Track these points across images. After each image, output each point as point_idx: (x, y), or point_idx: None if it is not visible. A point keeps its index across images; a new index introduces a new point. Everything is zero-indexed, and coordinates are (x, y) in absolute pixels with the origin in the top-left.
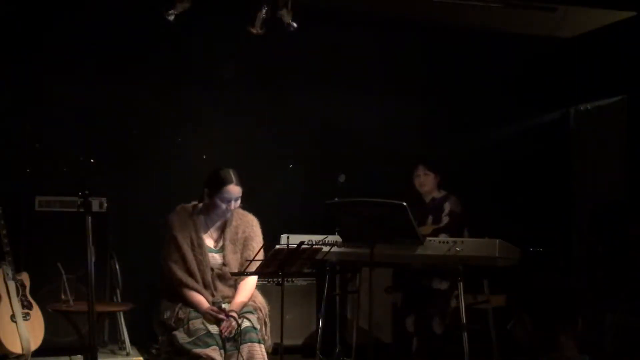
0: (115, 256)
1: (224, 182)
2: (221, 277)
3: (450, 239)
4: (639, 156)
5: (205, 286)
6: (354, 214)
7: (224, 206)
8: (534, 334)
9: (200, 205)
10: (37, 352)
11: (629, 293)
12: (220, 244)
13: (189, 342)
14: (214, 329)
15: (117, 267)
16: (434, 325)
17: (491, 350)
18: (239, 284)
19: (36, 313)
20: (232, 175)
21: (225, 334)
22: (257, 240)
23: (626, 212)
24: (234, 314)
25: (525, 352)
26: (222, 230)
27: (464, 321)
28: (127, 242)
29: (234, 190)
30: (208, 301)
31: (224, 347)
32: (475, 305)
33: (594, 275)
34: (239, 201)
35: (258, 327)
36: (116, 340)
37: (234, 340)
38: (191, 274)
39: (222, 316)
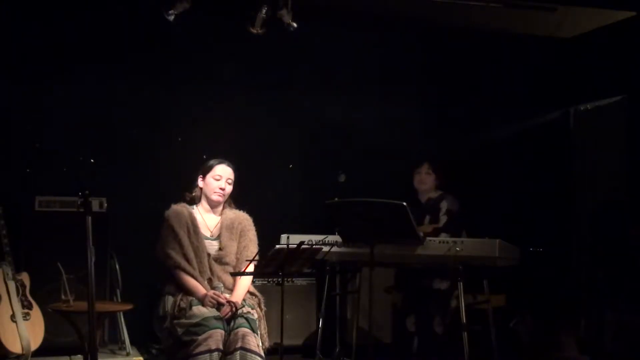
0: (115, 256)
1: (216, 163)
2: (218, 260)
3: (450, 239)
4: (639, 156)
5: (202, 272)
6: (354, 214)
7: (216, 184)
8: (536, 333)
9: (194, 195)
10: (37, 352)
11: (629, 293)
12: (217, 233)
13: (192, 326)
14: (216, 312)
15: (117, 267)
16: (434, 325)
17: (491, 350)
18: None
19: (36, 313)
20: (224, 159)
21: (224, 315)
22: (253, 232)
23: (626, 212)
24: (235, 301)
25: (526, 352)
26: (217, 221)
27: (464, 321)
28: (127, 242)
29: (226, 169)
30: (205, 288)
31: (225, 330)
32: (475, 305)
33: (594, 275)
34: (231, 187)
35: (257, 323)
36: (116, 340)
37: (232, 322)
38: (188, 260)
39: (222, 300)
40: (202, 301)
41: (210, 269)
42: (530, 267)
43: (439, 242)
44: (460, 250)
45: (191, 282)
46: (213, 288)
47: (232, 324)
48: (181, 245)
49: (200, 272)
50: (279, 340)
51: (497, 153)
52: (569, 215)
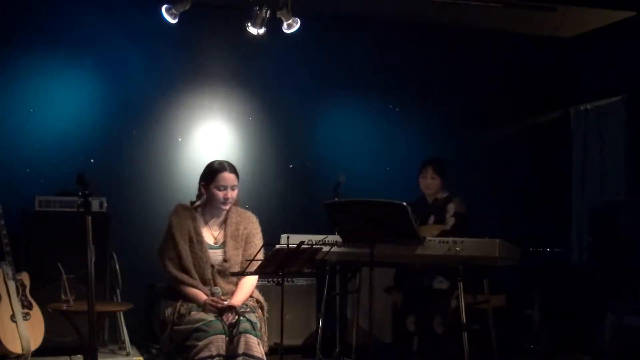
0: (115, 256)
1: (217, 170)
2: (222, 273)
3: (451, 239)
4: (638, 156)
5: (204, 283)
6: (354, 214)
7: (220, 195)
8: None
9: (198, 202)
10: (37, 352)
11: (629, 293)
12: (221, 240)
13: (193, 331)
14: (216, 317)
15: (117, 267)
16: (434, 325)
17: (491, 350)
18: (239, 280)
19: (36, 313)
20: (225, 164)
21: (227, 322)
22: (259, 237)
23: (626, 212)
24: (234, 306)
25: (529, 347)
26: (222, 227)
27: (464, 321)
28: (127, 242)
29: (228, 177)
30: (206, 294)
31: (227, 335)
32: (475, 305)
33: (594, 276)
34: (236, 191)
35: (258, 325)
36: (116, 340)
37: (234, 328)
38: (186, 271)
39: (221, 305)
40: (202, 307)
41: (213, 280)
42: (530, 267)
43: (439, 242)
44: (460, 250)
45: (191, 291)
46: (212, 294)
47: (235, 328)
48: (180, 256)
49: (202, 282)
50: (279, 340)
51: (497, 153)
52: (569, 215)
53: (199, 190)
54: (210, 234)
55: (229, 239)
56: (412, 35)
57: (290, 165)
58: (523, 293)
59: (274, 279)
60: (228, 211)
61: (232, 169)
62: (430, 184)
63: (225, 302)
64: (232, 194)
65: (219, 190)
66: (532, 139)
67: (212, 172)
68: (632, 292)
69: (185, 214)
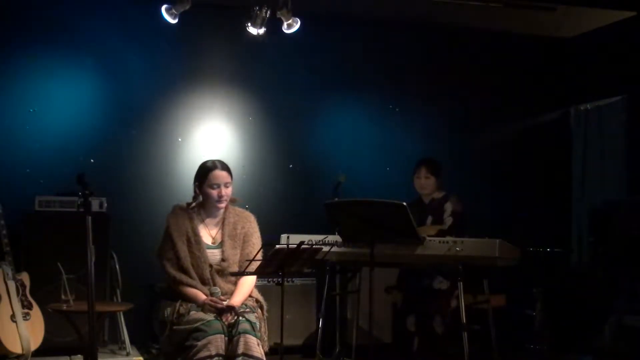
0: (115, 256)
1: (209, 169)
2: (220, 272)
3: (451, 239)
4: (638, 156)
5: (203, 282)
6: (354, 214)
7: (214, 193)
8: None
9: (194, 203)
10: (37, 352)
11: (629, 293)
12: (219, 240)
13: (192, 331)
14: (215, 317)
15: (117, 267)
16: (434, 325)
17: (491, 350)
18: (238, 279)
19: (36, 313)
20: (216, 162)
21: (227, 322)
22: (257, 236)
23: (626, 212)
24: (233, 306)
25: (529, 347)
26: (219, 227)
27: (464, 321)
28: (127, 242)
29: (220, 175)
30: (205, 294)
31: (226, 335)
32: (475, 305)
33: (594, 276)
34: (230, 189)
35: (257, 325)
36: (116, 340)
37: (233, 328)
38: (185, 271)
39: (220, 305)
40: (201, 307)
41: (212, 280)
42: (530, 267)
43: (439, 242)
44: (460, 250)
45: (190, 291)
46: (211, 294)
47: (234, 328)
48: (178, 257)
49: (201, 282)
50: (279, 340)
51: (497, 153)
52: (569, 215)
53: (194, 191)
54: (207, 234)
55: (226, 239)
56: (412, 35)
57: (290, 165)
58: (523, 293)
59: (274, 279)
60: (225, 210)
61: (224, 167)
62: (424, 183)
63: (225, 303)
64: (226, 192)
65: (213, 188)
66: (532, 139)
67: (205, 171)
68: (632, 292)
69: (182, 214)
